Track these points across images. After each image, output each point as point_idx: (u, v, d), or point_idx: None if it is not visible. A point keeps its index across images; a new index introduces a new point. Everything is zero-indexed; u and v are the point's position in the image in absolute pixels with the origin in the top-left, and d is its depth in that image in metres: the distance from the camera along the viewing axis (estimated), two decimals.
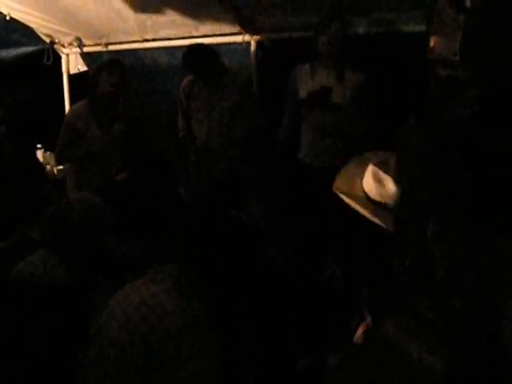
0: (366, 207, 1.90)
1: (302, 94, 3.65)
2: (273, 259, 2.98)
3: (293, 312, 2.53)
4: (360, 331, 1.98)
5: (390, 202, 1.84)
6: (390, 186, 1.84)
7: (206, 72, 3.99)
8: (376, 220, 1.84)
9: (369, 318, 1.99)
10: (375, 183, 1.89)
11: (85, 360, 1.82)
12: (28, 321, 2.04)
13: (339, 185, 2.05)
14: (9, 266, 2.20)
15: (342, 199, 1.98)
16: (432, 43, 1.15)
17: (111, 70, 3.92)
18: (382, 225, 1.81)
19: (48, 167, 5.27)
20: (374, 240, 2.01)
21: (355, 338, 1.99)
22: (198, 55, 3.95)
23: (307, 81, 3.67)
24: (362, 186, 1.96)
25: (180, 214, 3.47)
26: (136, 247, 3.06)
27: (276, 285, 2.77)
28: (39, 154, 5.33)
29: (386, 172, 1.88)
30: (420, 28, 3.44)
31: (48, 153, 5.36)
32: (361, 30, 3.80)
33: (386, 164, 1.91)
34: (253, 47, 4.43)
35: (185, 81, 4.26)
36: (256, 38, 4.38)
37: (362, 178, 1.97)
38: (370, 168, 1.93)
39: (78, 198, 2.45)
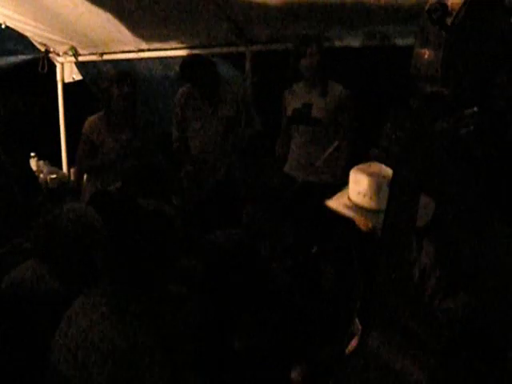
0: (347, 209, 1.96)
1: (289, 112, 3.78)
2: (266, 261, 3.00)
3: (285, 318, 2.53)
4: (353, 344, 1.98)
5: (365, 201, 1.92)
6: (364, 184, 1.92)
7: (202, 82, 4.01)
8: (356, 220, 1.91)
9: (359, 329, 1.99)
10: (353, 184, 1.98)
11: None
12: (17, 329, 2.03)
13: (332, 199, 2.10)
14: (0, 276, 2.20)
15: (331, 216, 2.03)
16: (415, 59, 1.16)
17: (122, 82, 3.96)
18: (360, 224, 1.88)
19: (41, 176, 5.26)
20: (365, 252, 2.03)
21: (347, 351, 1.99)
22: (195, 65, 3.97)
23: (294, 99, 3.79)
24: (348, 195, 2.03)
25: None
26: None
27: (268, 289, 2.79)
28: (33, 163, 5.33)
29: (365, 173, 1.96)
30: (410, 42, 3.47)
31: (41, 161, 5.36)
32: (353, 43, 3.84)
33: (368, 166, 1.97)
34: (248, 58, 4.45)
35: (180, 91, 4.27)
36: (251, 48, 4.40)
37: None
38: (352, 171, 2.00)
39: (69, 208, 2.45)
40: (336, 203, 2.03)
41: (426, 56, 1.12)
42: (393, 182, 1.29)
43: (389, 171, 1.95)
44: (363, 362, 1.55)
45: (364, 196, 1.93)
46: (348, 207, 1.98)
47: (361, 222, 1.97)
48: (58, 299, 2.17)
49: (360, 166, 2.04)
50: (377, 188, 1.92)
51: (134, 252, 1.83)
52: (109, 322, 1.70)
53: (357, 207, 1.96)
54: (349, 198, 2.00)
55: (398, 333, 1.53)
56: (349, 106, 3.66)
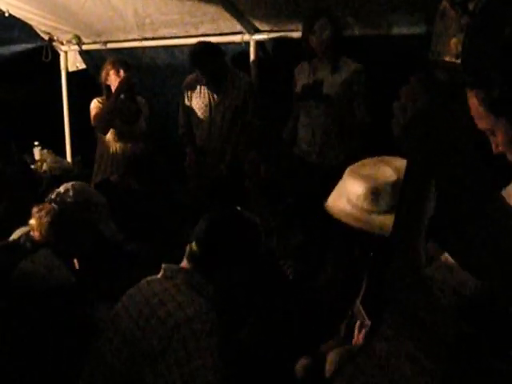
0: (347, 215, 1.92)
1: (298, 88, 3.67)
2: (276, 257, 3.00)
3: (292, 312, 2.53)
4: (361, 336, 1.97)
5: (358, 201, 1.88)
6: (357, 187, 1.88)
7: (212, 69, 4.00)
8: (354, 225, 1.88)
9: (368, 323, 1.98)
10: (349, 186, 1.93)
11: (91, 352, 1.87)
12: (30, 319, 2.03)
13: (329, 201, 2.06)
14: (11, 265, 2.19)
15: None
16: (433, 45, 1.15)
17: (117, 69, 4.17)
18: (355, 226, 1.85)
19: (44, 165, 5.25)
20: (371, 244, 2.02)
21: (356, 343, 1.99)
22: (205, 52, 3.97)
23: (305, 77, 3.68)
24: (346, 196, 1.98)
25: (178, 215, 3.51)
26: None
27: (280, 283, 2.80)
28: (36, 152, 5.31)
29: (360, 172, 1.93)
30: (413, 30, 3.46)
31: (45, 150, 5.34)
32: (355, 32, 3.80)
33: (363, 164, 1.95)
34: (252, 47, 4.42)
35: (188, 78, 4.27)
36: (255, 37, 4.37)
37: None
38: (346, 172, 1.97)
39: (66, 188, 2.43)
40: (335, 208, 1.98)
41: (445, 41, 1.10)
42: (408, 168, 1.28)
43: (385, 170, 1.93)
44: (375, 353, 1.55)
45: (359, 199, 1.89)
46: (347, 213, 1.93)
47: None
48: (70, 291, 2.18)
49: (354, 166, 2.01)
50: (371, 192, 1.88)
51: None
52: (181, 292, 1.81)
53: (355, 210, 1.92)
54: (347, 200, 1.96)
55: (409, 322, 1.52)
56: (362, 81, 3.54)
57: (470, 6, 1.01)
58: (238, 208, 2.10)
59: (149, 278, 1.93)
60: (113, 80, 4.19)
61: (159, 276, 1.92)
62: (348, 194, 1.94)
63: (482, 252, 1.25)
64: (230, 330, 1.98)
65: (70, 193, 2.38)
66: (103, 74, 4.24)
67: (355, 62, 3.58)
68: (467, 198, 1.23)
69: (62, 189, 2.42)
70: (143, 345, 1.71)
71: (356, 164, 2.03)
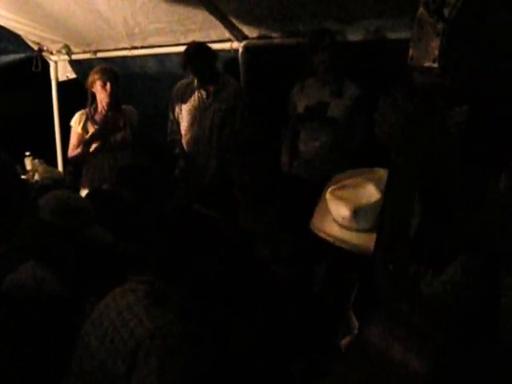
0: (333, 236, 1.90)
1: (300, 109, 3.72)
2: (265, 261, 3.00)
3: (283, 316, 2.53)
4: (348, 338, 1.98)
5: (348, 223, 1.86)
6: (341, 211, 1.86)
7: (204, 70, 4.05)
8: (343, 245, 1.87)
9: (356, 325, 1.99)
10: (332, 207, 1.91)
11: (70, 370, 1.83)
12: (19, 331, 2.02)
13: (314, 222, 2.05)
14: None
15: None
16: (411, 51, 1.17)
17: (103, 78, 4.16)
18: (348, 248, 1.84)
19: (36, 175, 5.24)
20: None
21: (343, 345, 2.00)
22: (199, 52, 4.02)
23: (305, 96, 3.74)
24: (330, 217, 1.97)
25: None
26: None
27: (267, 288, 2.79)
28: (27, 162, 5.31)
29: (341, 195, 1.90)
30: (405, 35, 3.48)
31: (36, 160, 5.34)
32: (349, 38, 3.83)
33: (343, 186, 1.93)
34: (241, 54, 4.45)
35: (178, 84, 4.30)
36: (244, 44, 4.39)
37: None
38: (327, 195, 1.94)
39: (49, 197, 2.42)
40: (321, 230, 1.96)
41: (422, 47, 1.12)
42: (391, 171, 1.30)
43: (367, 188, 1.93)
44: (362, 354, 1.56)
45: (343, 219, 1.86)
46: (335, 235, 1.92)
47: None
48: (60, 302, 2.16)
49: (334, 188, 1.96)
50: (353, 213, 1.84)
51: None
52: (143, 306, 1.74)
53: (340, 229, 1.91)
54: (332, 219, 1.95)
55: (397, 324, 1.53)
56: (364, 110, 3.52)
57: (446, 12, 1.03)
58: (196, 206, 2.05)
59: (117, 290, 1.86)
60: (98, 90, 4.20)
61: (126, 287, 1.86)
62: (333, 216, 1.94)
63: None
64: (208, 338, 1.94)
65: (49, 202, 2.37)
66: (90, 80, 4.24)
67: (358, 87, 3.62)
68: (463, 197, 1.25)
69: (42, 200, 2.40)
70: (109, 366, 1.66)
71: (335, 185, 2.02)
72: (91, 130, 4.26)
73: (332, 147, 3.68)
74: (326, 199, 1.96)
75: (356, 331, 1.96)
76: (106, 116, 4.25)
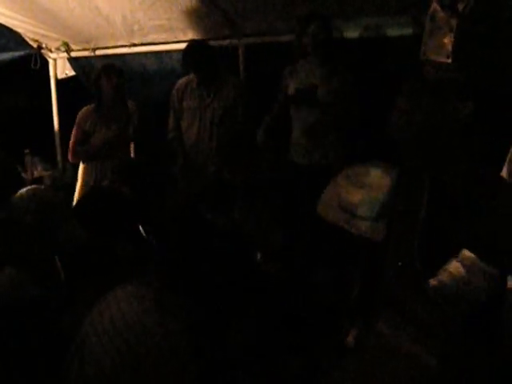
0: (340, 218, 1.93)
1: (290, 91, 3.71)
2: (257, 262, 3.00)
3: (281, 315, 2.54)
4: (352, 334, 1.99)
5: (359, 208, 1.87)
6: (355, 198, 1.88)
7: (204, 67, 4.05)
8: (352, 230, 1.88)
9: (360, 320, 2.00)
10: (345, 193, 1.92)
11: (69, 374, 1.78)
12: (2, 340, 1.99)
13: (320, 209, 2.07)
14: None
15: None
16: (424, 46, 1.17)
17: (109, 73, 4.18)
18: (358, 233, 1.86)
19: (35, 172, 5.24)
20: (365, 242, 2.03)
21: (347, 341, 2.00)
22: (199, 50, 4.01)
23: (296, 79, 3.73)
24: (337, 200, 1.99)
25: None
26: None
27: (263, 288, 2.79)
28: (27, 159, 5.30)
29: (353, 181, 1.92)
30: (404, 32, 3.50)
31: (35, 158, 5.34)
32: (347, 35, 3.84)
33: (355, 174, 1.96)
34: (240, 51, 4.45)
35: (179, 82, 4.29)
36: (243, 42, 4.39)
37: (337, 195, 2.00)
38: (338, 180, 1.97)
39: (19, 197, 2.36)
40: (328, 213, 1.98)
41: (436, 42, 1.12)
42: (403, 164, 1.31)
43: (380, 180, 1.94)
44: (373, 348, 1.57)
45: (355, 206, 1.88)
46: (341, 218, 1.93)
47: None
48: (40, 306, 2.10)
49: (349, 171, 2.00)
50: (368, 201, 1.87)
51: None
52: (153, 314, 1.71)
53: (350, 215, 1.93)
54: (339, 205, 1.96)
55: (405, 319, 1.55)
56: (355, 91, 3.61)
57: (460, 8, 1.04)
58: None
59: (119, 293, 1.82)
60: (104, 85, 4.20)
61: (130, 289, 1.82)
62: (343, 203, 1.95)
63: None
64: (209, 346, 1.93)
65: (23, 201, 2.33)
66: (95, 76, 4.26)
67: (347, 69, 3.64)
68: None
69: (15, 198, 2.36)
70: (112, 371, 1.65)
71: (347, 171, 2.03)
72: (96, 125, 4.27)
73: (322, 131, 3.69)
74: (336, 184, 1.99)
75: (361, 327, 1.97)
76: (111, 111, 4.27)
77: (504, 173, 1.55)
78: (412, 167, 1.30)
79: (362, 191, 1.87)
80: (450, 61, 1.11)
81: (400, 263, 1.55)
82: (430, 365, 1.41)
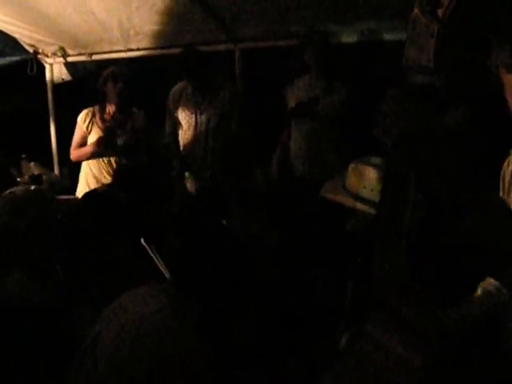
0: (346, 200, 1.99)
1: (291, 104, 3.78)
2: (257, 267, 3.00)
3: (279, 318, 2.54)
4: (345, 337, 2.00)
5: (368, 190, 1.93)
6: (371, 175, 1.92)
7: (198, 75, 4.05)
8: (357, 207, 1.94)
9: (353, 323, 2.01)
10: (354, 177, 1.98)
11: (80, 374, 1.78)
12: (8, 344, 1.99)
13: (325, 189, 2.13)
14: None
15: (328, 204, 2.06)
16: (406, 51, 1.19)
17: (115, 79, 4.15)
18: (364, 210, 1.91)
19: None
20: (357, 246, 2.06)
21: (341, 344, 2.01)
22: (193, 57, 4.02)
23: (297, 93, 3.82)
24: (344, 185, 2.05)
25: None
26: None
27: (261, 291, 2.79)
28: (23, 164, 5.30)
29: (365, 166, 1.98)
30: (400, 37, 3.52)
31: (32, 163, 5.33)
32: (343, 40, 3.87)
33: (369, 159, 2.01)
34: (237, 56, 4.46)
35: (174, 88, 4.30)
36: (239, 46, 4.41)
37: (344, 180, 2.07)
38: (351, 166, 2.03)
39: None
40: (336, 195, 2.06)
41: (418, 47, 1.14)
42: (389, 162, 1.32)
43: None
44: (362, 349, 1.58)
45: (366, 188, 1.94)
46: (350, 199, 2.00)
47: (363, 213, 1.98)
48: (43, 308, 2.12)
49: (361, 159, 2.07)
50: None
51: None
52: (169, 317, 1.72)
53: (359, 199, 1.98)
54: (345, 189, 2.03)
55: (393, 321, 1.56)
56: (353, 104, 3.66)
57: (440, 13, 1.05)
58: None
59: (132, 297, 1.82)
60: (109, 89, 4.18)
61: (144, 289, 1.83)
62: (354, 182, 2.01)
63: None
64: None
65: (5, 203, 2.33)
66: (102, 79, 4.23)
67: (346, 80, 3.73)
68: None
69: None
70: (128, 369, 1.64)
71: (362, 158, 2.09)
72: (96, 128, 4.25)
73: (322, 142, 3.76)
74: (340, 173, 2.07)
75: (354, 329, 1.98)
76: (113, 117, 4.25)
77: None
78: (398, 169, 1.31)
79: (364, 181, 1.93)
80: (431, 65, 1.12)
81: (387, 266, 1.56)
82: (417, 364, 1.42)
